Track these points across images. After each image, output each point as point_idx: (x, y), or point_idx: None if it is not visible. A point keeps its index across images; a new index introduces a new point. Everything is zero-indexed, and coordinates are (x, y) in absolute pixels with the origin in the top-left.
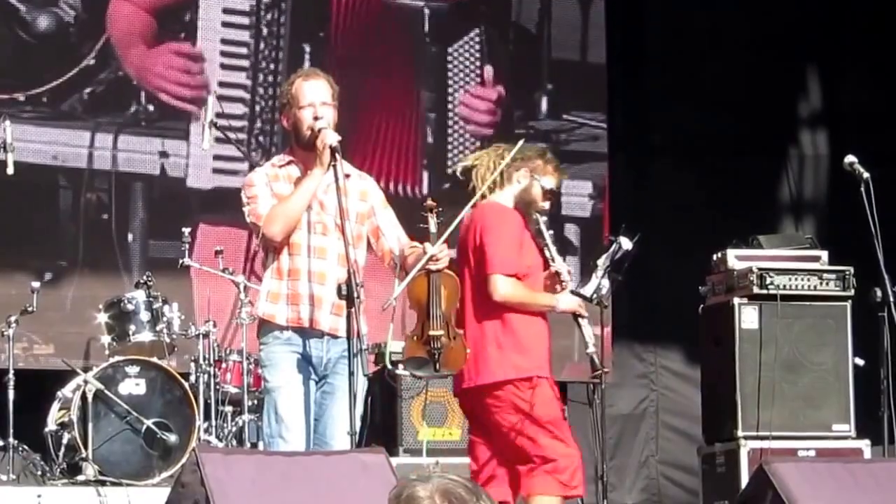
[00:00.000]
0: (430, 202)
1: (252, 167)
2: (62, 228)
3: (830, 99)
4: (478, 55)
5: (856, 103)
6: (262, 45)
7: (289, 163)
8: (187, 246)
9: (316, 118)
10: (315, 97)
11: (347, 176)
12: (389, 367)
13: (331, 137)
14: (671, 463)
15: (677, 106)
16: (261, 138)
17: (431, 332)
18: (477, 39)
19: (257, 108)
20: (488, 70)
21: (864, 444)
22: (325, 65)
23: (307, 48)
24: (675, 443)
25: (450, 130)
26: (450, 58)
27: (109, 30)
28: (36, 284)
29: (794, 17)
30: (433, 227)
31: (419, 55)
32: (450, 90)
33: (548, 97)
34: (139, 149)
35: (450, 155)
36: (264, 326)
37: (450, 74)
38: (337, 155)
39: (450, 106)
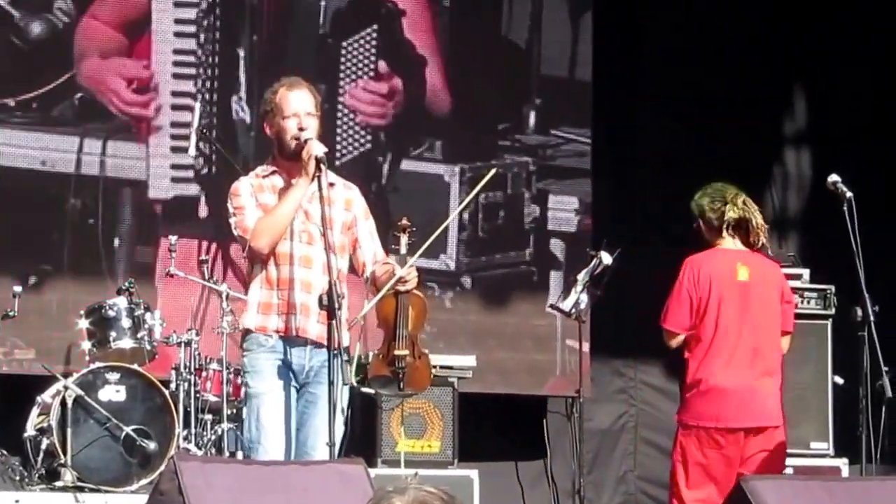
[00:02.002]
0: (404, 221)
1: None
2: (48, 233)
3: (815, 117)
4: (373, 50)
5: (840, 122)
6: (199, 52)
7: (272, 173)
8: (174, 255)
9: (301, 129)
10: (300, 107)
11: (332, 185)
12: (355, 384)
13: (317, 148)
14: (649, 478)
15: (663, 122)
16: (200, 144)
17: (396, 352)
18: (374, 35)
19: (197, 114)
20: (382, 64)
21: (843, 463)
22: (255, 70)
23: (241, 53)
24: (654, 458)
25: (338, 122)
26: (343, 51)
27: (76, 42)
28: (18, 289)
29: (781, 36)
30: (404, 248)
31: (316, 48)
32: (341, 83)
33: (536, 112)
34: (127, 155)
35: (338, 147)
36: (250, 335)
37: (342, 67)
38: (322, 165)
39: (340, 99)
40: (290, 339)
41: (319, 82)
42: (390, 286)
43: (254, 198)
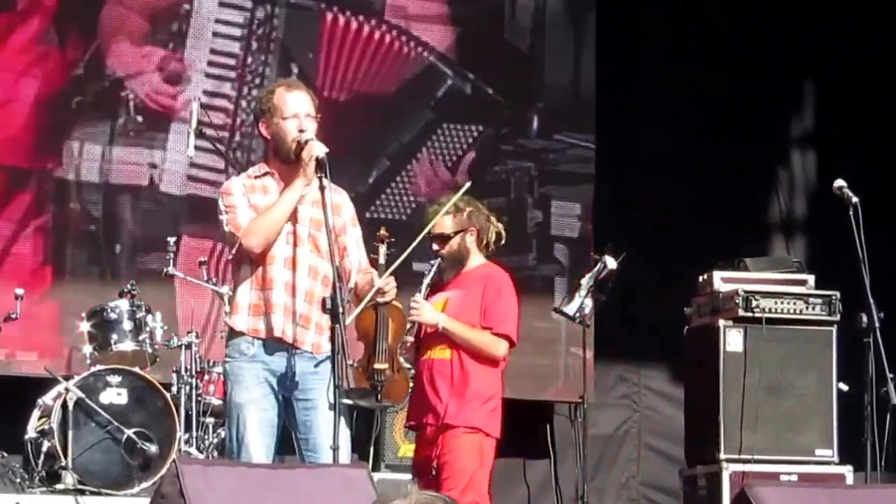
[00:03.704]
0: (382, 232)
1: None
2: (49, 237)
3: (822, 119)
4: (464, 146)
5: (845, 123)
6: (249, 59)
7: (265, 174)
8: (172, 255)
9: (301, 130)
10: (300, 108)
11: (324, 188)
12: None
13: (318, 149)
14: (652, 485)
15: (666, 125)
16: (238, 153)
17: (376, 366)
18: (475, 134)
19: (238, 120)
20: (464, 162)
21: (847, 470)
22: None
23: (295, 68)
24: (657, 464)
25: (392, 184)
26: (439, 130)
27: (99, 30)
28: (20, 291)
29: (784, 36)
30: (382, 259)
31: (415, 113)
32: (419, 155)
33: (539, 117)
34: (128, 159)
35: (377, 202)
36: (233, 340)
37: (428, 143)
38: (325, 167)
39: (408, 166)
40: (272, 342)
41: (395, 140)
42: (369, 298)
43: (245, 197)
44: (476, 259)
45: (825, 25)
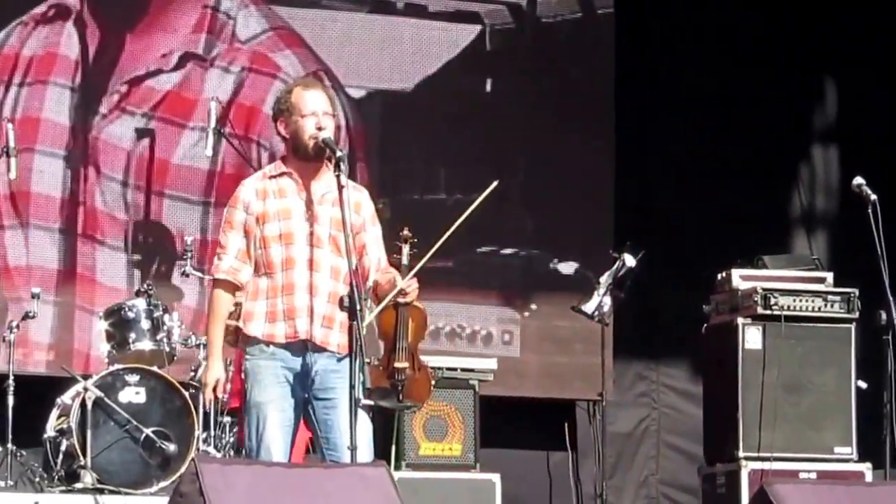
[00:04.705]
0: (406, 232)
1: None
2: (68, 234)
3: (843, 116)
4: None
5: (868, 121)
6: (269, 58)
7: (282, 174)
8: (190, 254)
9: (319, 128)
10: (317, 106)
11: (343, 186)
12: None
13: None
14: (671, 483)
15: (685, 122)
16: (259, 151)
17: (396, 365)
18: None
19: (255, 119)
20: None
21: (866, 468)
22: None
23: (315, 67)
24: (676, 462)
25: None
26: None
27: (119, 29)
28: (37, 290)
29: (806, 32)
30: (405, 259)
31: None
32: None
33: (558, 114)
34: (146, 157)
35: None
36: (251, 338)
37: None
38: (341, 166)
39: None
40: (295, 343)
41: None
42: (391, 298)
43: (246, 212)
44: None
45: (847, 22)
